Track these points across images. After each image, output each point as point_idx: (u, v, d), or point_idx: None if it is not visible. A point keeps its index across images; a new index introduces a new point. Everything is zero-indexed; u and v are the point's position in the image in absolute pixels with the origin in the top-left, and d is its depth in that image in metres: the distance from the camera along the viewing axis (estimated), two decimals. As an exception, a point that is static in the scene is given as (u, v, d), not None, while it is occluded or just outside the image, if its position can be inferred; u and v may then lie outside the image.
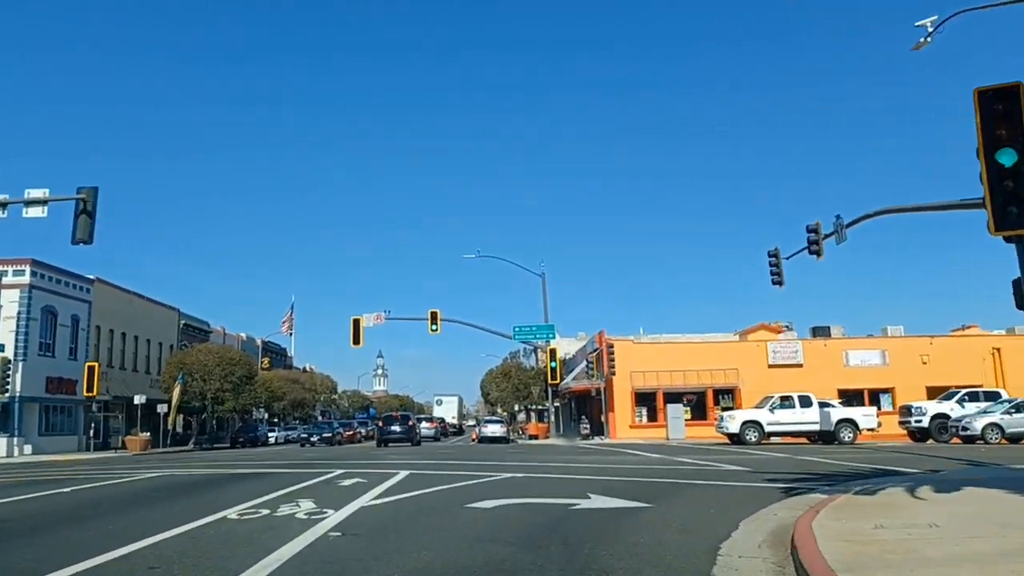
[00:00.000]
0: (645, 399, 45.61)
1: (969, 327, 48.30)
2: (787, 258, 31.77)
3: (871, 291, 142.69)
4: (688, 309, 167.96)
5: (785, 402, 31.34)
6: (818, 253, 28.26)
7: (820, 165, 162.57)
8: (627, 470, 17.05)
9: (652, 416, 45.30)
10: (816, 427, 30.98)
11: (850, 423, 30.83)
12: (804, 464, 18.86)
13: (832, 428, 30.84)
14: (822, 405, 31.75)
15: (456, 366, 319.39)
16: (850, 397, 44.69)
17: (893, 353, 45.93)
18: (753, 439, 30.42)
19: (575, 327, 70.43)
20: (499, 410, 79.95)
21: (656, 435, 42.75)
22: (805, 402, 31.22)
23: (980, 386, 42.87)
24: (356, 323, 44.78)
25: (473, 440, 49.65)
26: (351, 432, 52.04)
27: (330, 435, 46.03)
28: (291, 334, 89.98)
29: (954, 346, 46.28)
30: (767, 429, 30.77)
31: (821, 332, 47.85)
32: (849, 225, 27.26)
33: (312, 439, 45.65)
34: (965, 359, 45.36)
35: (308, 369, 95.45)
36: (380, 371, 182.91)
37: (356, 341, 44.80)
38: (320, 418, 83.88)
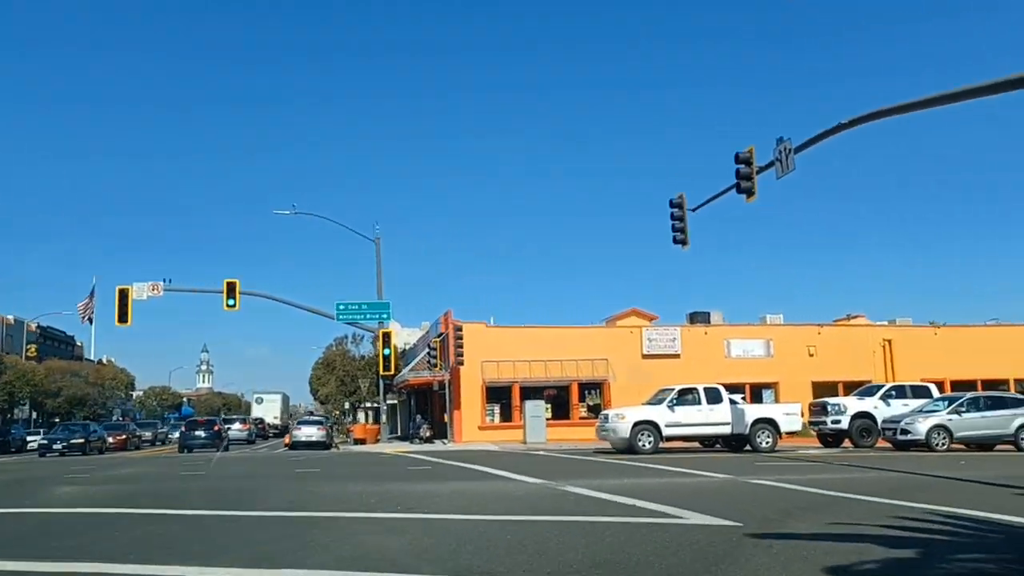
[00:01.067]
0: (498, 394, 36.78)
1: (855, 317, 42.90)
2: (694, 209, 24.02)
3: (748, 277, 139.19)
4: (553, 298, 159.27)
5: (687, 397, 23.25)
6: (749, 192, 20.34)
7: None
8: (475, 530, 7.77)
9: (506, 415, 36.53)
10: (727, 429, 23.07)
11: (769, 424, 23.14)
12: (782, 497, 10.39)
13: (746, 431, 23.05)
14: (732, 400, 23.96)
15: (299, 360, 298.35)
16: (731, 392, 37.90)
17: (778, 343, 39.51)
18: (647, 446, 22.09)
19: (423, 317, 60.63)
20: (330, 408, 69.13)
21: (511, 437, 34.05)
22: (713, 397, 23.24)
23: (869, 381, 37.36)
24: (123, 295, 33.15)
25: (286, 445, 39.08)
26: (121, 437, 39.90)
27: (82, 440, 34.00)
28: (90, 322, 75.17)
29: (842, 337, 40.46)
30: (666, 432, 22.55)
31: (700, 319, 40.82)
32: (802, 148, 19.51)
33: (56, 446, 33.50)
34: (854, 351, 39.68)
35: (104, 362, 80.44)
36: (205, 367, 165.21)
37: (122, 319, 33.18)
38: (122, 418, 69.90)
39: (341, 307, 36.23)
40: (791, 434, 24.21)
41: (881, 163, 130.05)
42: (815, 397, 33.80)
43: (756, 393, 38.48)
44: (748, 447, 23.27)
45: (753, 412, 23.15)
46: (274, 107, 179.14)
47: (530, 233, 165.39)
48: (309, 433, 37.27)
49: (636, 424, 22.11)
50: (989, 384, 36.99)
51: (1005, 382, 38.77)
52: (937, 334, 40.94)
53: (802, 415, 25.84)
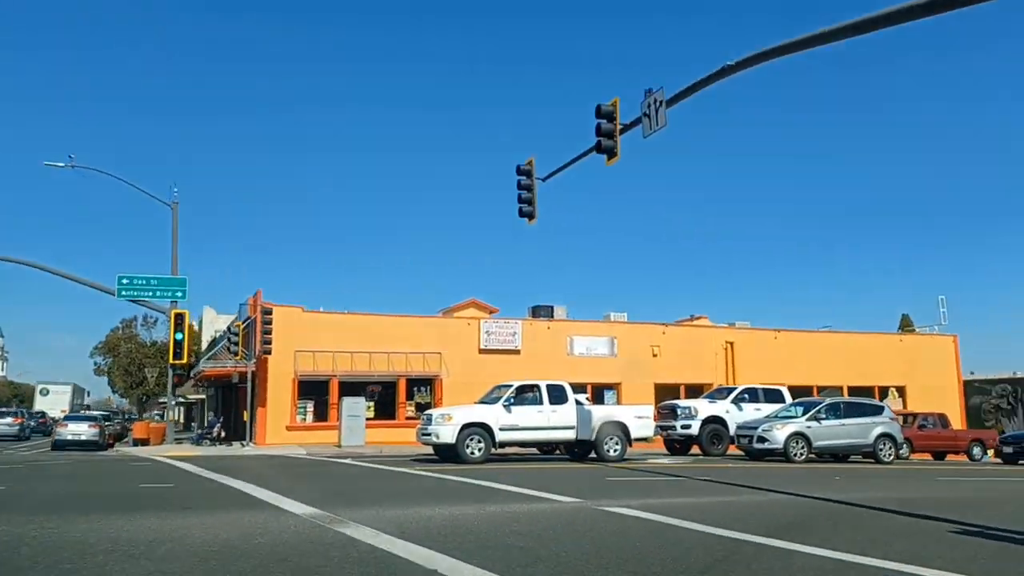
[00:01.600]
0: (314, 389, 31.77)
1: (698, 318, 41.23)
2: (545, 178, 20.50)
3: (593, 272, 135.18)
4: (390, 288, 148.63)
5: (527, 395, 19.47)
6: (611, 152, 16.87)
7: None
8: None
9: (322, 413, 31.60)
10: (572, 434, 19.47)
11: (619, 429, 19.75)
12: (663, 541, 6.58)
13: (593, 436, 19.58)
14: (577, 401, 20.44)
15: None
16: (575, 392, 34.94)
17: (622, 342, 36.92)
18: (477, 454, 18.09)
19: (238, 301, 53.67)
20: (131, 402, 60.91)
21: (325, 439, 29.28)
22: (557, 396, 19.59)
23: (711, 384, 35.57)
24: None
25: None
26: None
27: None
28: None
29: (686, 338, 38.45)
30: (500, 437, 18.65)
31: (543, 313, 37.57)
32: (676, 99, 16.20)
33: None
34: (697, 353, 37.76)
35: None
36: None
37: None
38: None
39: (124, 281, 29.97)
40: (639, 440, 21.03)
41: (720, 178, 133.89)
42: (658, 399, 31.32)
43: (599, 394, 35.66)
44: (594, 455, 19.84)
45: (601, 415, 19.71)
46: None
47: (365, 217, 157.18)
48: (77, 431, 30.70)
49: (465, 427, 18.06)
50: (824, 390, 36.18)
51: (839, 388, 38.17)
52: (777, 338, 39.85)
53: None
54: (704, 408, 24.22)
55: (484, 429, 18.23)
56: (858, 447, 22.03)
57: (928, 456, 28.42)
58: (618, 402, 34.65)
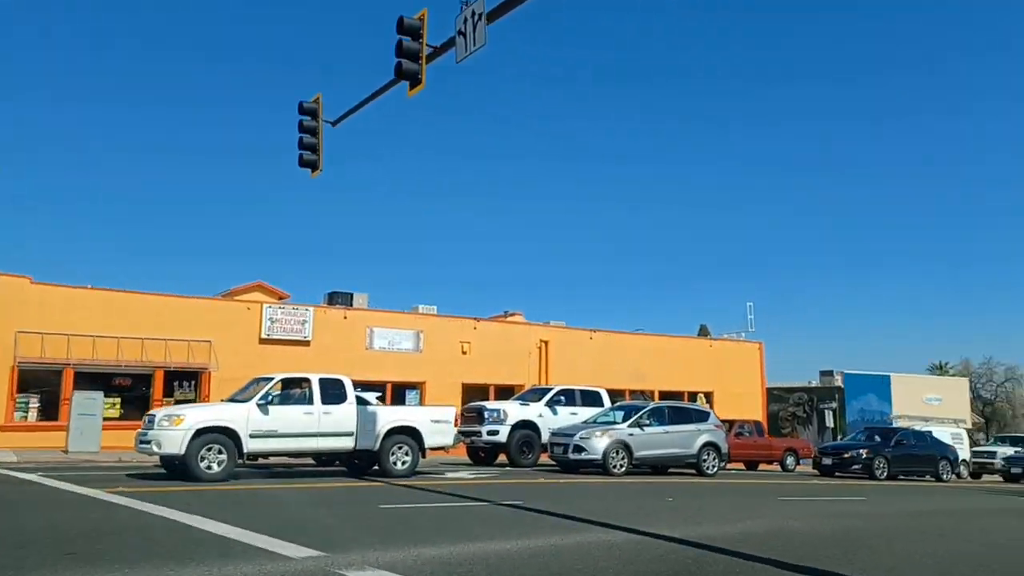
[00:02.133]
0: (41, 380, 25.36)
1: (513, 314, 38.24)
2: (335, 122, 16.60)
3: (397, 264, 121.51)
4: (169, 268, 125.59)
5: (293, 392, 14.99)
6: (415, 77, 13.02)
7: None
8: None
9: (51, 411, 25.23)
10: (349, 442, 15.16)
11: (409, 436, 15.71)
12: None
13: (376, 445, 15.43)
14: (360, 401, 16.24)
15: None
16: (370, 390, 30.68)
17: (429, 337, 33.08)
18: (216, 468, 13.35)
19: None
20: None
21: (51, 443, 23.17)
22: (332, 393, 15.17)
23: (522, 385, 32.63)
24: None
25: None
26: None
27: None
28: None
29: (499, 334, 35.23)
30: (251, 446, 14.02)
31: (341, 300, 32.95)
32: (500, 11, 12.51)
33: None
34: (509, 351, 34.71)
35: None
36: None
37: None
38: None
39: None
40: (436, 449, 17.15)
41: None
42: (465, 400, 27.80)
43: (400, 393, 31.66)
44: (377, 468, 15.71)
45: (388, 418, 15.59)
46: None
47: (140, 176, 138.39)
48: None
49: (200, 433, 13.29)
50: (636, 395, 34.32)
51: (651, 392, 36.54)
52: (592, 339, 37.63)
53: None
54: (515, 411, 20.85)
55: (228, 435, 13.57)
56: (682, 457, 19.48)
57: (741, 466, 26.85)
58: (421, 403, 30.80)
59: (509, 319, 37.37)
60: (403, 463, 15.58)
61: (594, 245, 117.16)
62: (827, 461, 23.16)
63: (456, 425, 16.52)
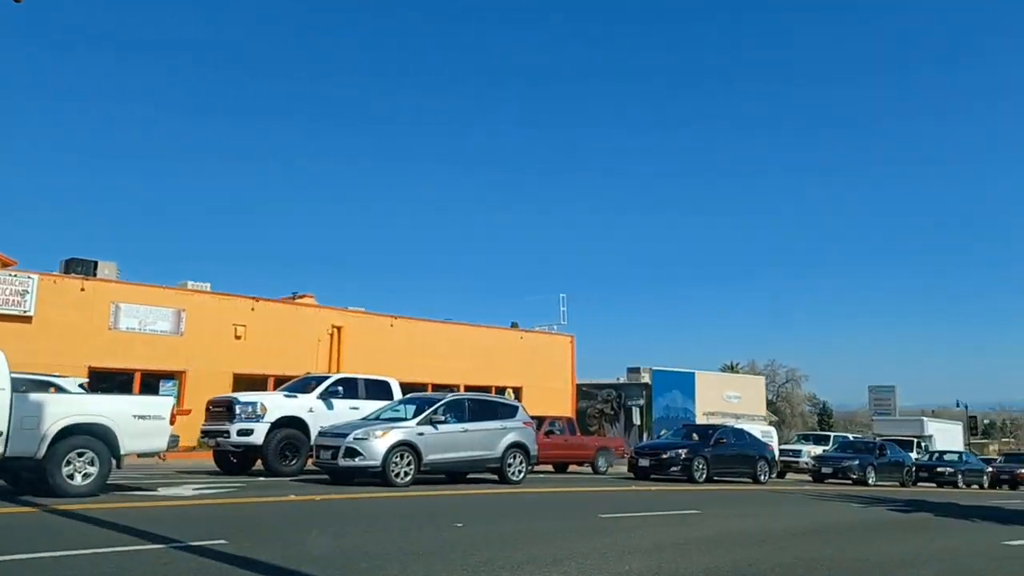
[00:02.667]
0: None
1: (303, 296, 33.28)
2: None
3: (163, 233, 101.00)
4: None
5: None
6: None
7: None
8: None
9: None
10: (-7, 448, 10.14)
11: (96, 438, 10.88)
12: None
13: (40, 451, 10.45)
14: (40, 384, 11.16)
15: None
16: (112, 382, 24.80)
17: (194, 318, 27.54)
18: None
19: None
20: None
21: None
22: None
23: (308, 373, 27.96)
24: None
25: None
26: None
27: None
28: None
29: (283, 318, 30.30)
30: None
31: (81, 268, 26.59)
32: None
33: None
34: (296, 338, 29.83)
35: None
36: None
37: None
38: None
39: None
40: (145, 455, 12.35)
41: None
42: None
43: (152, 385, 26.02)
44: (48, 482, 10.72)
45: (59, 411, 10.60)
46: None
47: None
48: None
49: None
50: (440, 389, 30.65)
51: (456, 387, 33.01)
52: (393, 326, 33.52)
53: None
54: (275, 405, 16.31)
55: None
56: (483, 461, 15.85)
57: (551, 468, 23.84)
58: (179, 396, 25.38)
59: (297, 301, 32.40)
60: (84, 476, 10.69)
61: (409, 232, 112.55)
62: (644, 463, 20.49)
63: (171, 421, 11.75)
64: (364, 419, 15.56)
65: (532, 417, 24.59)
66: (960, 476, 30.01)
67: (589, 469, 24.08)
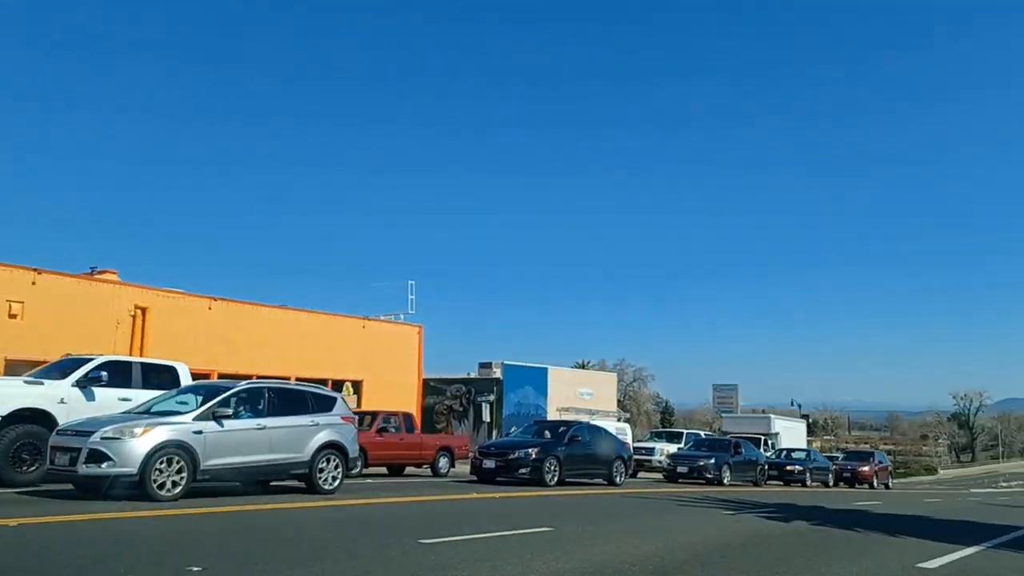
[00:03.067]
0: None
1: (104, 272, 28.34)
2: None
3: None
4: None
5: None
6: None
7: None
8: None
9: None
10: None
11: None
12: None
13: None
14: None
15: None
16: None
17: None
18: None
19: None
20: None
21: None
22: None
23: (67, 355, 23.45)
24: None
25: None
26: None
27: None
28: None
29: (75, 295, 25.37)
30: None
31: None
32: None
33: None
34: (90, 319, 25.13)
35: None
36: None
37: None
38: None
39: None
40: None
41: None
42: None
43: None
44: None
45: None
46: None
47: None
48: None
49: None
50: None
51: (287, 379, 29.21)
52: (212, 309, 29.20)
53: None
54: (9, 395, 12.36)
55: None
56: (286, 467, 12.57)
57: (385, 470, 20.77)
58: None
59: (96, 277, 27.50)
60: None
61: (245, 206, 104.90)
62: (489, 464, 17.79)
63: None
64: (127, 412, 11.92)
65: (365, 413, 21.48)
66: (808, 474, 29.43)
67: (429, 471, 21.20)
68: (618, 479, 19.92)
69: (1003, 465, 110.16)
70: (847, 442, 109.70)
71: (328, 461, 13.11)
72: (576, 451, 18.86)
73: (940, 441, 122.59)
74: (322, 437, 13.03)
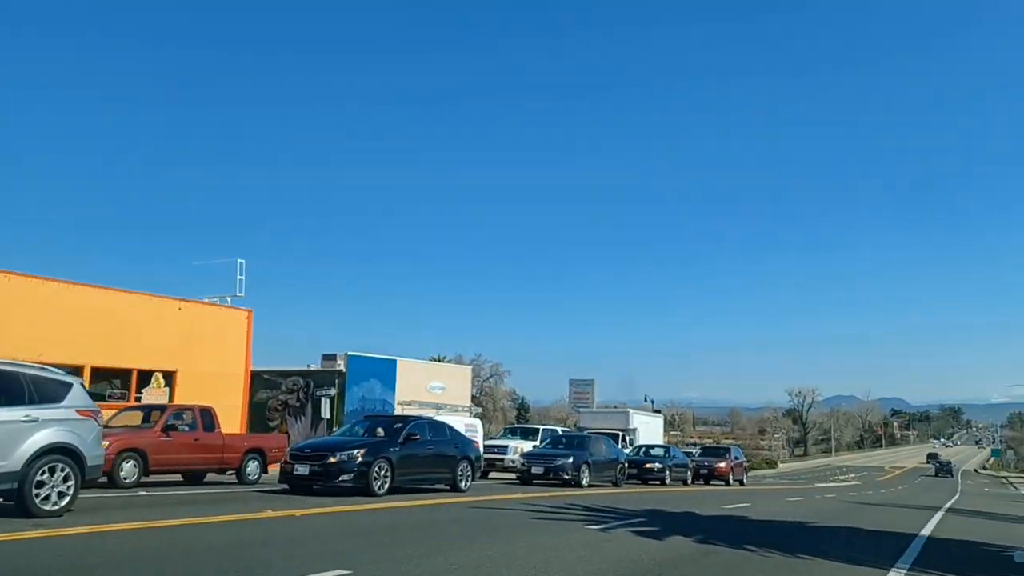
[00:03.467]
0: None
1: None
2: None
3: None
4: None
5: None
6: None
7: None
8: None
9: None
10: None
11: None
12: None
13: None
14: None
15: None
16: None
17: None
18: None
19: None
20: None
21: None
22: None
23: None
24: None
25: None
26: None
27: None
28: None
29: None
30: None
31: None
32: None
33: None
34: None
35: None
36: None
37: None
38: None
39: None
40: None
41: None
42: None
43: None
44: None
45: None
46: None
47: None
48: None
49: None
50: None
51: (79, 369, 24.34)
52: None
53: None
54: None
55: None
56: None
57: (180, 478, 16.80)
58: None
59: None
60: None
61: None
62: (302, 470, 14.27)
63: None
64: None
65: (148, 407, 17.44)
66: (668, 472, 27.66)
67: (234, 477, 17.39)
68: (463, 484, 16.93)
69: (835, 458, 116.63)
70: (693, 437, 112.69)
71: (51, 471, 9.29)
72: (414, 451, 15.69)
73: (777, 436, 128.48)
74: (43, 438, 9.20)
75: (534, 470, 21.36)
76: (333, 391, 38.02)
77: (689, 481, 29.83)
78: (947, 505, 25.48)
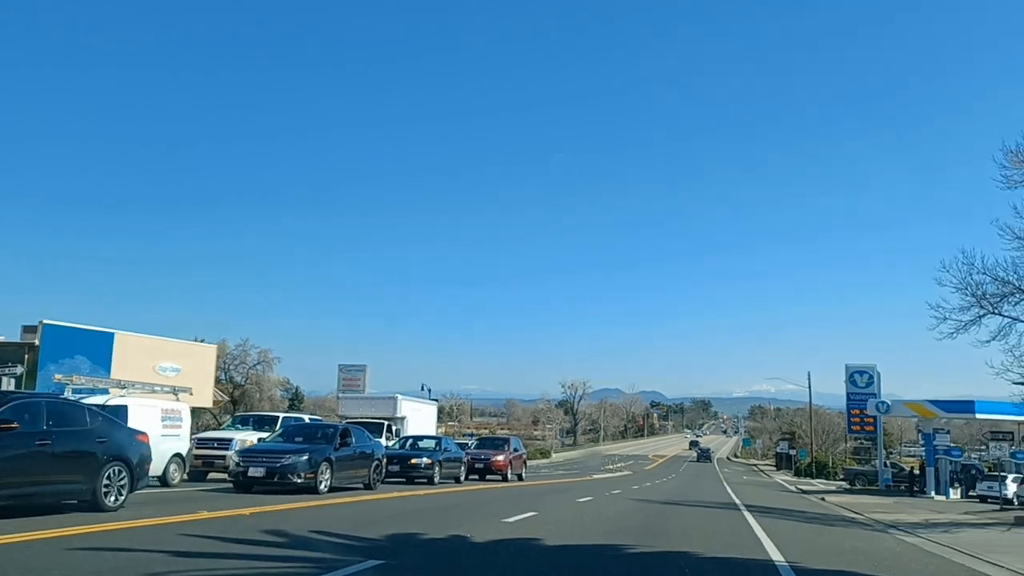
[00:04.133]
0: None
1: None
2: None
3: None
4: None
5: None
6: None
7: None
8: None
9: None
10: None
11: None
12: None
13: None
14: None
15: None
16: None
17: None
18: None
19: None
20: None
21: None
22: None
23: None
24: None
25: None
26: None
27: None
28: None
29: None
30: None
31: None
32: None
33: None
34: None
35: None
36: None
37: None
38: None
39: None
40: None
41: None
42: None
43: None
44: None
45: None
46: None
47: None
48: None
49: None
50: None
51: None
52: None
53: None
54: None
55: None
56: None
57: None
58: None
59: None
60: None
61: None
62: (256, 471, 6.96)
63: None
64: None
65: None
66: (438, 469, 22.67)
67: None
68: (111, 500, 10.68)
69: (603, 447, 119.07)
70: (470, 428, 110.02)
71: None
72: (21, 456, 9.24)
73: (550, 426, 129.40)
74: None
75: (252, 472, 15.32)
76: (19, 369, 29.37)
77: (463, 478, 25.11)
78: (741, 503, 22.86)
